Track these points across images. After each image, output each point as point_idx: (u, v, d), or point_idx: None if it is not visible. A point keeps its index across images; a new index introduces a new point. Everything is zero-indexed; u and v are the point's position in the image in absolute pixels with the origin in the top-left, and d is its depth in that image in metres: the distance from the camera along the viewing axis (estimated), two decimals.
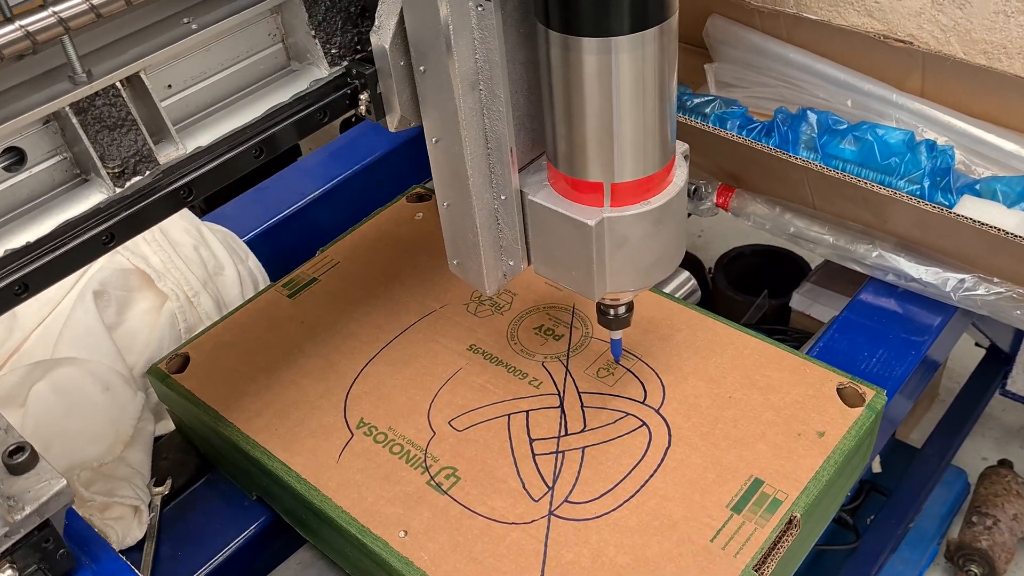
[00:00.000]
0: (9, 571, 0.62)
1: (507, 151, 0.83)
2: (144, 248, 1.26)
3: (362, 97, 0.88)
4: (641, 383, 1.01)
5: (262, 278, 1.40)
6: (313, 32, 0.91)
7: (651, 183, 0.82)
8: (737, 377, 1.01)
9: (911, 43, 1.41)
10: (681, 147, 0.88)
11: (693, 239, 1.99)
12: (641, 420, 0.97)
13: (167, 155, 0.83)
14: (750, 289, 1.80)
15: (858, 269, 1.27)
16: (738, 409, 0.97)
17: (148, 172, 0.82)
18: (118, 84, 0.79)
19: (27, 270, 0.76)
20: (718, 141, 1.33)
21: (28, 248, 0.76)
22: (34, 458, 0.73)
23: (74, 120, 0.77)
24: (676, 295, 1.34)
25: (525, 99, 0.84)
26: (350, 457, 0.98)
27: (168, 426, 1.20)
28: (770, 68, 1.51)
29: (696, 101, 1.48)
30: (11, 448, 0.73)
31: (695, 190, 1.34)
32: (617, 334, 0.99)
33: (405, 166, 1.58)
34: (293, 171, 1.58)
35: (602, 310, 0.94)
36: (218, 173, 0.87)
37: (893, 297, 1.21)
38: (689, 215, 1.49)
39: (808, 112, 1.39)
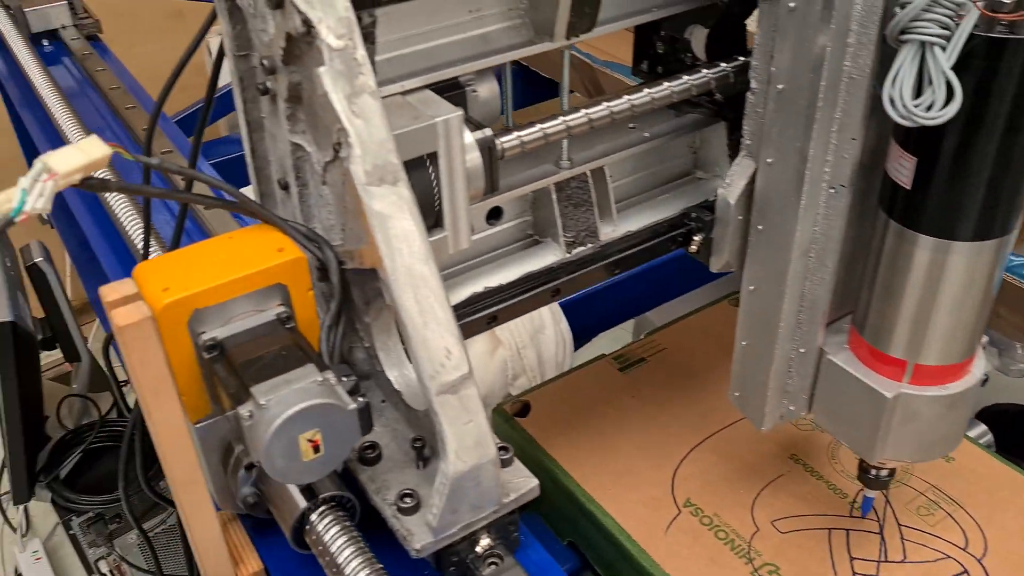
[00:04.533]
0: (487, 539, 0.72)
1: (820, 313, 0.87)
2: None
3: (696, 238, 0.96)
4: (962, 530, 1.05)
5: (570, 341, 1.54)
6: (729, 152, 1.04)
7: (952, 370, 0.85)
8: None
9: None
10: (982, 338, 0.88)
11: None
12: (963, 566, 1.01)
13: (606, 233, 0.95)
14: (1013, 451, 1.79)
15: None
16: None
17: (591, 245, 0.94)
18: (587, 172, 0.91)
19: (497, 307, 0.88)
20: None
21: (500, 288, 0.89)
22: (512, 457, 0.79)
23: (553, 195, 0.90)
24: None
25: (847, 265, 0.87)
26: (677, 532, 1.08)
27: None
28: None
29: (1014, 261, 1.51)
30: (499, 445, 0.78)
31: (1007, 350, 1.39)
32: (872, 493, 1.01)
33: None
34: None
35: (864, 467, 0.96)
36: (641, 255, 0.99)
37: None
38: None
39: None
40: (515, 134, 0.77)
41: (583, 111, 0.85)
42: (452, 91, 0.75)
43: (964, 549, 1.04)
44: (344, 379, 0.61)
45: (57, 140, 1.48)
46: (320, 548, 0.69)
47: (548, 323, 1.48)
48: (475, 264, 0.90)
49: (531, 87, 2.30)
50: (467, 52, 0.73)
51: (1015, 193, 0.76)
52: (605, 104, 0.87)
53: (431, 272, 0.60)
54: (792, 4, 0.72)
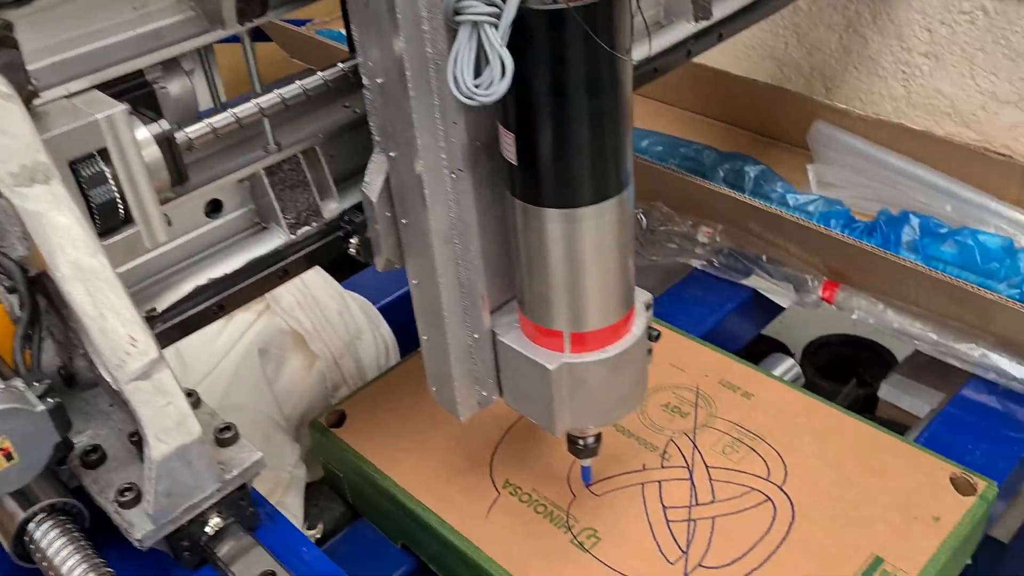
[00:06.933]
0: (217, 519, 0.73)
1: (479, 297, 0.88)
2: (298, 312, 1.40)
3: (352, 241, 0.94)
4: (764, 461, 1.09)
5: (392, 345, 1.53)
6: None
7: (609, 332, 0.87)
8: (855, 461, 1.07)
9: (1009, 156, 1.53)
10: (643, 296, 0.91)
11: (775, 326, 2.10)
12: (766, 495, 1.05)
13: (330, 211, 0.95)
14: (836, 377, 1.89)
15: (960, 366, 1.37)
16: (857, 491, 1.03)
17: (315, 223, 0.94)
18: (298, 154, 0.91)
19: (224, 295, 0.89)
20: (824, 239, 1.45)
21: (225, 278, 0.89)
22: (236, 435, 0.83)
23: (265, 180, 0.89)
24: (784, 379, 1.44)
25: (500, 247, 0.88)
26: (498, 514, 1.08)
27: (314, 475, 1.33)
28: (872, 171, 1.62)
29: (800, 200, 1.60)
30: (220, 427, 0.83)
31: (801, 285, 1.46)
32: (586, 462, 1.03)
33: None
34: None
35: (571, 439, 0.98)
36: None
37: (995, 395, 1.29)
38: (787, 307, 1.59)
39: (910, 215, 1.50)
40: (205, 122, 0.76)
41: (275, 92, 0.85)
42: (139, 91, 0.73)
43: (767, 479, 1.08)
44: (36, 384, 0.60)
45: None
46: (39, 556, 0.67)
47: (365, 328, 1.47)
48: (200, 259, 0.89)
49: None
50: (136, 49, 0.72)
51: (613, 151, 0.76)
52: (298, 83, 0.86)
53: (102, 264, 0.59)
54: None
